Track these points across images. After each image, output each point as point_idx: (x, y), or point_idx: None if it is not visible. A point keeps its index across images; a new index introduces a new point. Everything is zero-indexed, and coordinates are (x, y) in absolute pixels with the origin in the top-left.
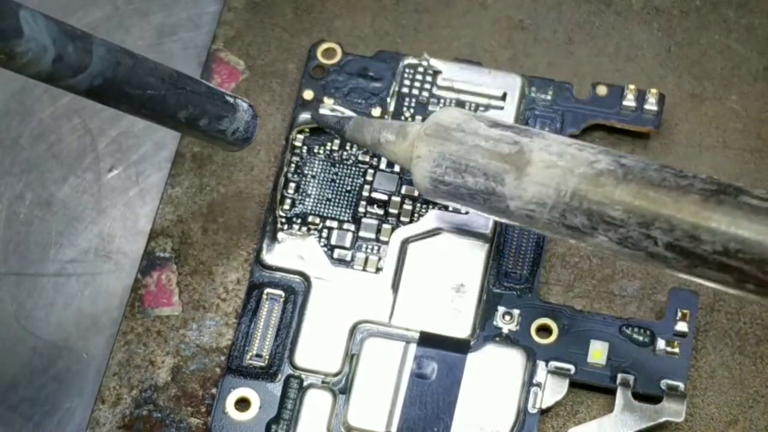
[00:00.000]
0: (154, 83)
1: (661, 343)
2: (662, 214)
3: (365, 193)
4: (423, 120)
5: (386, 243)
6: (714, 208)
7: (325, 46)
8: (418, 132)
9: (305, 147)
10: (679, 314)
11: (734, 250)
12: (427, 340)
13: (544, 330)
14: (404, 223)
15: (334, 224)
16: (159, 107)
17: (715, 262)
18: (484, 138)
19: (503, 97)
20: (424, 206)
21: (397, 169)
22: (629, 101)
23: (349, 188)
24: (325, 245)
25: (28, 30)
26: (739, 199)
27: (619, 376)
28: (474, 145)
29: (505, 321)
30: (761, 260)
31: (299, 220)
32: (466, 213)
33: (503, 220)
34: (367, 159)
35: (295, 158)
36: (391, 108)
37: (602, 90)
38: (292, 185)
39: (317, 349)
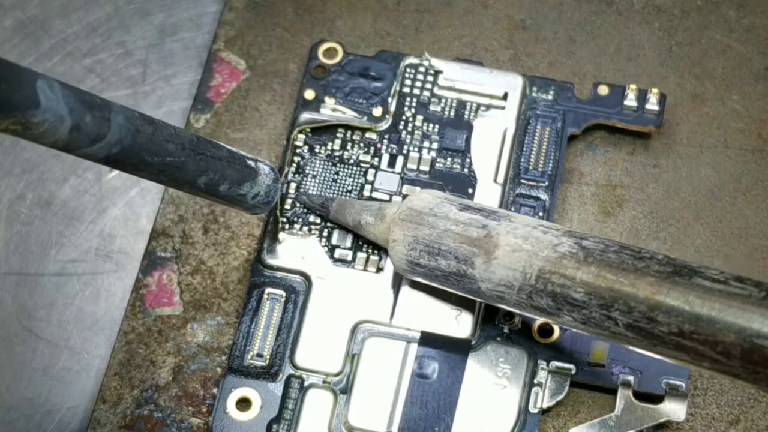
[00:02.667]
0: (173, 150)
1: None
2: (621, 296)
3: (366, 193)
4: (424, 119)
5: None
6: (668, 290)
7: (326, 45)
8: (393, 216)
9: (306, 147)
10: None
11: (688, 331)
12: (428, 340)
13: (545, 330)
14: None
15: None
16: (178, 174)
17: (672, 343)
18: (454, 222)
19: (504, 97)
20: None
21: (398, 168)
22: (630, 101)
23: (350, 188)
24: (326, 245)
25: (45, 100)
26: (692, 281)
27: (620, 376)
28: (445, 229)
29: (506, 321)
30: (714, 341)
31: (300, 220)
32: None
33: (478, 300)
34: (368, 159)
35: (296, 158)
36: (392, 108)
37: (603, 90)
38: (293, 185)
39: (318, 348)
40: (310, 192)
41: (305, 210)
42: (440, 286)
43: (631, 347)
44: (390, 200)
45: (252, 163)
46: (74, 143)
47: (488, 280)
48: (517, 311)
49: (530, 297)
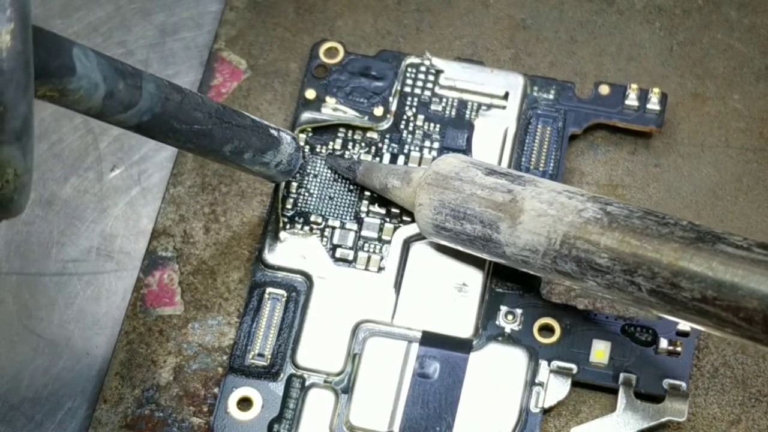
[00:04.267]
0: (201, 118)
1: (663, 343)
2: (644, 262)
3: (367, 192)
4: (425, 119)
5: (388, 242)
6: (691, 256)
7: (327, 45)
8: (419, 180)
9: (307, 146)
10: None
11: (711, 297)
12: (429, 339)
13: (547, 329)
14: (406, 223)
15: (336, 223)
16: (205, 141)
17: (694, 308)
18: (480, 186)
19: (505, 97)
20: None
21: None
22: (631, 100)
23: (351, 187)
24: (327, 244)
25: (81, 67)
26: (716, 247)
27: (622, 375)
28: (471, 193)
29: (508, 320)
30: (737, 307)
31: (301, 220)
32: None
33: (503, 263)
34: (369, 158)
35: None
36: (393, 107)
37: (605, 89)
38: (294, 184)
39: (319, 348)
40: (337, 155)
41: (306, 209)
42: (465, 250)
43: (654, 312)
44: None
45: (275, 132)
46: (108, 110)
47: (513, 244)
48: (541, 275)
49: (555, 262)
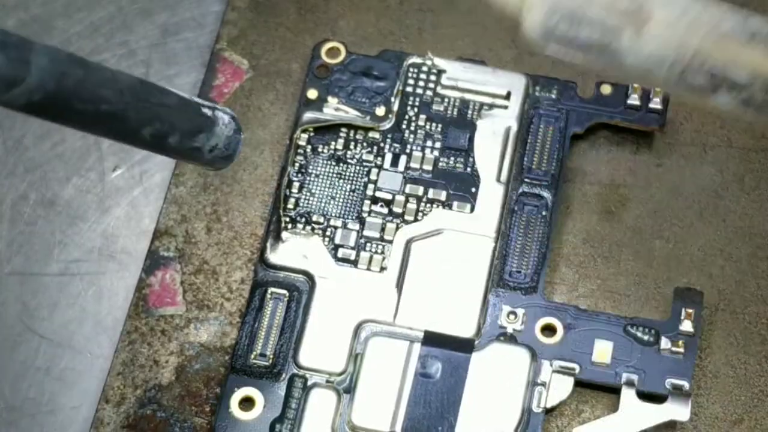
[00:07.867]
0: (109, 96)
1: (665, 343)
2: None
3: (369, 192)
4: (427, 118)
5: (390, 242)
6: None
7: (329, 45)
8: None
9: (309, 146)
10: (684, 313)
11: None
12: (431, 339)
13: (549, 329)
14: (408, 222)
15: (338, 223)
16: (117, 124)
17: None
18: None
19: (507, 97)
20: (429, 205)
21: (401, 167)
22: (634, 100)
23: (353, 187)
24: (329, 244)
25: None
26: None
27: (624, 375)
28: None
29: (510, 320)
30: None
31: (303, 220)
32: (471, 212)
33: (616, 73)
34: (371, 158)
35: (299, 157)
36: (395, 107)
37: (607, 89)
38: (296, 184)
39: (321, 348)
40: None
41: (308, 209)
42: (575, 60)
43: None
44: (393, 199)
45: (208, 111)
46: None
47: (636, 54)
48: (661, 87)
49: (683, 73)
